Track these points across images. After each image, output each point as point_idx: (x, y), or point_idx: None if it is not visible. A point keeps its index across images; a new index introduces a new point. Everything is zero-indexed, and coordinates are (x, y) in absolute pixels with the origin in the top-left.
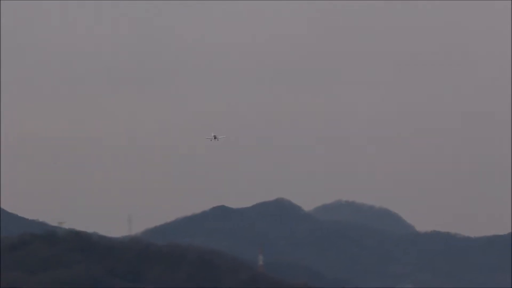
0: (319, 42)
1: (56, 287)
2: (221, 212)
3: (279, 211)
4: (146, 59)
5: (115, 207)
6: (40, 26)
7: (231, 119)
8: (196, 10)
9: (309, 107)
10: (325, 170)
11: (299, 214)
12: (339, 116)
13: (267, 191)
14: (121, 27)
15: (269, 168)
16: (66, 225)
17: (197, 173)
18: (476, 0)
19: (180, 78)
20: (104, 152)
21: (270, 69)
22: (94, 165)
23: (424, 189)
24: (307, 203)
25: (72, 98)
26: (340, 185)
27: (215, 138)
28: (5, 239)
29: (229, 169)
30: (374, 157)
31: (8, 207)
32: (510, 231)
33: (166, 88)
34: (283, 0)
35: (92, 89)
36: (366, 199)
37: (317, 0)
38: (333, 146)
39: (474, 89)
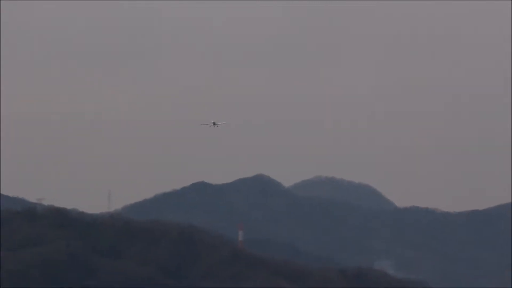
0: (301, 25)
1: (36, 264)
2: (200, 188)
3: (258, 187)
4: (127, 35)
5: (95, 183)
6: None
7: (212, 97)
8: None
9: (288, 89)
10: (304, 145)
11: (278, 190)
12: (320, 96)
13: (246, 167)
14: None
15: (248, 144)
16: (46, 202)
17: (176, 149)
18: None
19: (162, 54)
20: (83, 128)
21: (254, 50)
22: (73, 141)
23: (404, 165)
24: (287, 179)
25: (48, 75)
26: (319, 161)
27: (214, 124)
28: None
29: (208, 145)
30: (353, 133)
31: None
32: (489, 206)
33: (149, 64)
34: None
35: (70, 66)
36: (346, 175)
37: None
38: (313, 123)
39: (464, 72)
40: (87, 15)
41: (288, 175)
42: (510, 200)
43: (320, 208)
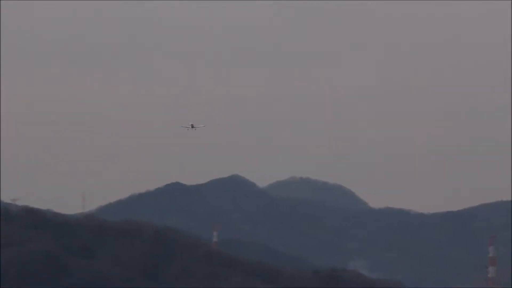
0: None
1: (10, 264)
2: (175, 189)
3: (233, 188)
4: (127, 36)
5: (69, 184)
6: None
7: (188, 97)
8: None
9: (266, 89)
10: (279, 146)
11: (253, 190)
12: (296, 93)
13: (221, 168)
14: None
15: (223, 145)
16: (20, 202)
17: (151, 149)
18: None
19: (139, 54)
20: (57, 129)
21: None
22: (47, 142)
23: (377, 166)
24: (262, 179)
25: (28, 74)
26: (294, 162)
27: (192, 127)
28: None
29: (183, 145)
30: (327, 134)
31: None
32: (463, 207)
33: (128, 66)
34: None
35: (45, 66)
36: (321, 175)
37: None
38: (287, 124)
39: (452, 73)
40: (87, 15)
41: (263, 176)
42: (483, 201)
43: (294, 209)
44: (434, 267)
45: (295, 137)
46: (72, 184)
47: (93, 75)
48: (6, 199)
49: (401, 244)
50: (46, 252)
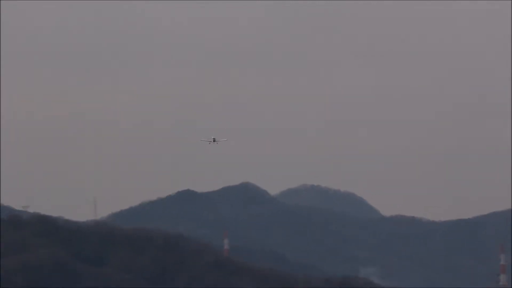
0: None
1: (20, 271)
2: (186, 196)
3: (244, 195)
4: (127, 36)
5: (81, 191)
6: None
7: (195, 102)
8: None
9: (275, 92)
10: (290, 154)
11: (264, 198)
12: (305, 101)
13: (232, 175)
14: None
15: (235, 153)
16: (31, 209)
17: (162, 157)
18: None
19: (146, 59)
20: (69, 136)
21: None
22: (59, 149)
23: (389, 174)
24: (273, 187)
25: (35, 80)
26: (305, 169)
27: (214, 141)
28: None
29: (194, 153)
30: (339, 141)
31: None
32: (473, 215)
33: (132, 71)
34: None
35: (49, 71)
36: (332, 183)
37: None
38: (298, 131)
39: (449, 79)
40: (87, 16)
41: (274, 183)
42: (494, 209)
43: (306, 216)
44: (444, 274)
45: (306, 144)
46: (84, 191)
47: (101, 82)
48: (17, 206)
49: (412, 251)
50: (56, 259)
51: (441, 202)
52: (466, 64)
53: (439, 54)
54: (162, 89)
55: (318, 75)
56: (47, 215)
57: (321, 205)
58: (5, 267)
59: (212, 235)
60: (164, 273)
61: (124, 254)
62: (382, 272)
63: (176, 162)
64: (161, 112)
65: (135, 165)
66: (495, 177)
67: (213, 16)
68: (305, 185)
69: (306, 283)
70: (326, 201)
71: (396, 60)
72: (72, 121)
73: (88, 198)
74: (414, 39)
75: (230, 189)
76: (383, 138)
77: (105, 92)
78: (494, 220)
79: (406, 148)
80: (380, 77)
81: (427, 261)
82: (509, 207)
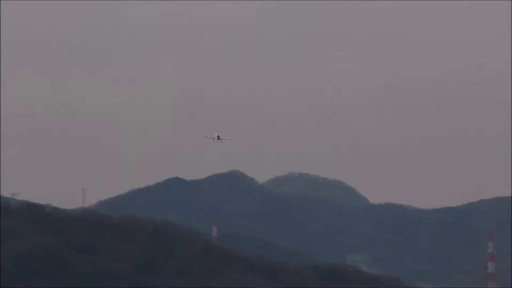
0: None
1: (9, 259)
2: (175, 184)
3: (232, 183)
4: (127, 36)
5: (69, 179)
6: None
7: (186, 94)
8: None
9: (264, 83)
10: (278, 142)
11: (252, 186)
12: (295, 91)
13: (221, 163)
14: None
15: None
16: (20, 197)
17: (150, 144)
18: None
19: (134, 51)
20: (57, 124)
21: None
22: (48, 137)
23: (377, 162)
24: (261, 175)
25: (28, 69)
26: (293, 157)
27: (218, 138)
28: None
29: (182, 140)
30: (327, 129)
31: None
32: (462, 203)
33: (126, 63)
34: None
35: (41, 61)
36: (320, 171)
37: None
38: (286, 119)
39: (445, 74)
40: (86, 15)
41: (262, 171)
42: (483, 197)
43: (294, 204)
44: (433, 262)
45: (294, 132)
46: (72, 179)
47: (92, 73)
48: (6, 193)
49: (401, 239)
50: (45, 247)
51: (430, 190)
52: (466, 62)
53: (437, 48)
54: (153, 81)
55: (313, 67)
56: (36, 202)
57: (310, 193)
58: None
59: (201, 223)
60: (153, 261)
61: (113, 242)
62: (370, 260)
63: (164, 149)
64: (154, 105)
65: (123, 153)
66: (485, 164)
67: (213, 13)
68: (293, 173)
69: (294, 270)
70: (315, 189)
71: (392, 54)
72: (60, 112)
73: (77, 186)
74: (413, 33)
75: (218, 177)
76: (372, 127)
77: (97, 85)
78: (483, 207)
79: (395, 137)
80: (372, 71)
81: (415, 248)
82: (499, 195)
